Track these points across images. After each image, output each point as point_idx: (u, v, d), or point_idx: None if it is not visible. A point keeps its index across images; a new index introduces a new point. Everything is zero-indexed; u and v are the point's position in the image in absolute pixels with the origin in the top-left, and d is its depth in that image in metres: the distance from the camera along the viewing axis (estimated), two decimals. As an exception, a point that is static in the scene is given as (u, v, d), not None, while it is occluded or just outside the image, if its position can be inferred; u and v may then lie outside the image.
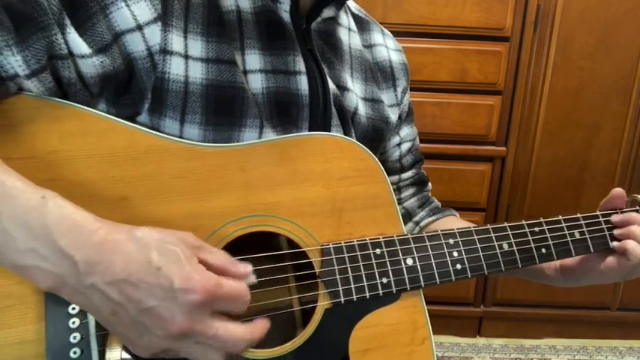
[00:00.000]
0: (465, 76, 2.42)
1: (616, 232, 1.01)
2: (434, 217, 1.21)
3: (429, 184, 1.28)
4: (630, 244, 0.98)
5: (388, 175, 1.17)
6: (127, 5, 0.78)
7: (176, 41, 0.81)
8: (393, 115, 1.12)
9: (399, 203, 1.20)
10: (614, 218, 1.02)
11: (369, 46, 1.13)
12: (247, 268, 0.70)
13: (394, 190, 1.19)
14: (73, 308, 0.72)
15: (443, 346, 2.69)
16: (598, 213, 1.04)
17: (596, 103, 2.47)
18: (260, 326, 0.69)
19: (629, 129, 2.50)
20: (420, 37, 2.39)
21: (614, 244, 1.00)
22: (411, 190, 1.23)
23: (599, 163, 2.55)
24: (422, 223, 1.21)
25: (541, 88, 2.45)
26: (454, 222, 1.21)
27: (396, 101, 1.14)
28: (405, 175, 1.22)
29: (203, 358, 0.66)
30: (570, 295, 2.70)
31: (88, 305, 0.64)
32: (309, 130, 0.94)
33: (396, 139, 1.19)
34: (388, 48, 1.16)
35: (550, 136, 2.51)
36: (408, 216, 1.22)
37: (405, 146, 1.21)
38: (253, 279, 0.70)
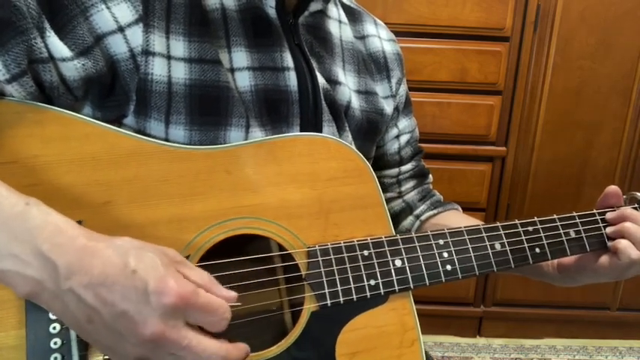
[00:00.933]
0: (465, 76, 2.41)
1: (609, 230, 1.00)
2: (435, 211, 1.19)
3: (430, 176, 1.26)
4: (622, 243, 0.97)
5: (387, 168, 1.17)
6: (108, 7, 0.78)
7: (158, 42, 0.81)
8: (387, 106, 1.11)
9: (399, 196, 1.20)
10: (609, 215, 1.01)
11: (362, 37, 1.12)
12: (230, 293, 0.68)
13: (394, 184, 1.19)
14: (48, 309, 0.70)
15: (443, 346, 2.68)
16: (594, 211, 1.02)
17: (596, 103, 2.46)
18: (239, 349, 0.68)
19: (629, 129, 2.49)
20: (420, 37, 2.38)
21: (608, 243, 0.99)
22: (411, 183, 1.22)
23: (599, 163, 2.54)
24: (423, 217, 1.18)
25: (541, 88, 2.44)
26: (456, 217, 1.19)
27: (391, 92, 1.13)
28: (404, 168, 1.21)
29: None
30: (570, 295, 2.69)
31: (65, 312, 0.64)
32: (300, 127, 0.93)
33: (394, 131, 1.18)
34: (381, 38, 1.15)
35: (550, 136, 2.50)
36: (408, 209, 1.20)
37: (404, 138, 1.20)
38: (234, 302, 0.68)
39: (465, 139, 2.51)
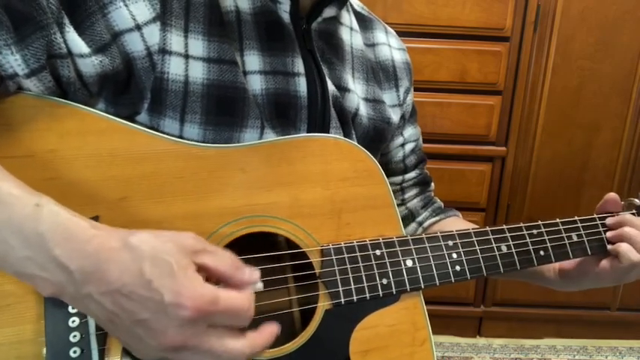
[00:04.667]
0: (465, 76, 2.42)
1: (609, 234, 1.02)
2: (437, 218, 1.21)
3: (432, 184, 1.27)
4: (623, 247, 0.98)
5: (391, 175, 1.18)
6: (126, 5, 0.78)
7: (175, 41, 0.81)
8: (394, 115, 1.11)
9: (402, 204, 1.20)
10: (609, 221, 1.03)
11: (372, 45, 1.12)
12: (254, 274, 0.67)
13: (398, 191, 1.19)
14: (73, 307, 0.71)
15: (443, 346, 2.69)
16: (595, 216, 1.04)
17: (596, 103, 2.47)
18: (264, 335, 0.67)
19: (629, 129, 2.50)
20: (420, 37, 2.39)
21: (609, 247, 1.01)
22: (414, 191, 1.23)
23: (599, 163, 2.55)
24: (425, 224, 1.20)
25: (541, 88, 2.45)
26: (457, 223, 1.20)
27: (398, 101, 1.13)
28: (408, 176, 1.21)
29: None
30: (570, 295, 2.70)
31: (88, 312, 0.64)
32: (308, 132, 0.93)
33: (399, 140, 1.18)
34: (391, 47, 1.15)
35: (550, 136, 2.51)
36: (410, 216, 1.21)
37: (409, 147, 1.20)
38: (260, 286, 0.67)
39: (465, 139, 2.51)
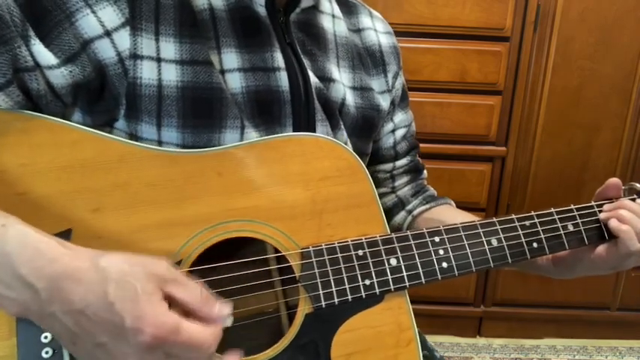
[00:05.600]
0: (465, 76, 2.41)
1: (602, 215, 0.99)
2: (427, 206, 1.18)
3: (425, 172, 1.25)
4: (624, 230, 0.95)
5: (382, 162, 1.16)
6: (93, 12, 0.77)
7: (146, 45, 0.80)
8: (384, 102, 1.09)
9: (392, 192, 1.19)
10: (607, 207, 1.00)
11: (357, 31, 1.10)
12: (224, 310, 0.65)
13: (388, 179, 1.17)
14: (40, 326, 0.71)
15: (443, 346, 2.68)
16: (592, 203, 1.02)
17: (596, 103, 2.45)
18: None
19: (629, 129, 2.48)
20: (420, 37, 2.38)
21: (611, 224, 0.97)
22: (405, 179, 1.20)
23: (599, 163, 2.53)
24: (415, 212, 1.17)
25: (541, 88, 2.43)
26: (449, 211, 1.18)
27: (387, 87, 1.11)
28: (399, 163, 1.19)
29: None
30: (570, 295, 2.69)
31: (52, 331, 0.64)
32: (293, 127, 0.92)
33: (389, 126, 1.16)
34: (377, 31, 1.13)
35: (550, 136, 2.50)
36: (400, 204, 1.19)
37: (400, 133, 1.18)
38: (229, 322, 0.66)
39: (465, 139, 2.50)
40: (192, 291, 0.65)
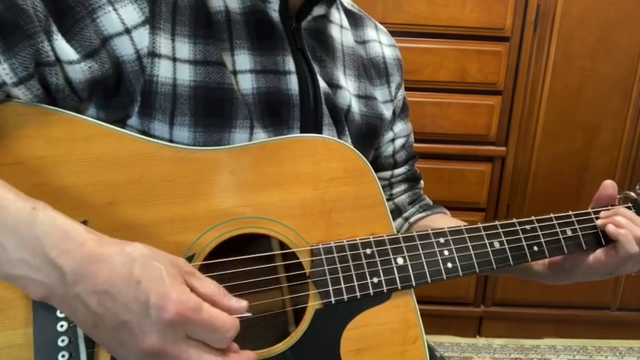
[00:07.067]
0: (465, 76, 2.41)
1: (599, 222, 1.01)
2: (424, 214, 1.21)
3: (422, 182, 1.28)
4: (623, 234, 0.96)
5: (380, 170, 1.18)
6: (115, 9, 0.79)
7: (164, 44, 0.82)
8: (387, 111, 1.12)
9: (390, 199, 1.21)
10: (604, 214, 1.02)
11: (363, 42, 1.13)
12: (241, 303, 0.68)
13: (386, 186, 1.20)
14: (61, 311, 0.72)
15: (443, 346, 2.68)
16: (590, 210, 1.04)
17: (596, 103, 2.46)
18: (243, 357, 0.68)
19: (629, 129, 2.50)
20: (420, 37, 2.38)
21: (609, 229, 0.99)
22: (402, 187, 1.23)
23: (599, 163, 2.54)
24: (411, 219, 1.20)
25: (541, 88, 2.44)
26: (444, 219, 1.20)
27: (390, 97, 1.14)
28: (397, 171, 1.21)
29: None
30: (570, 295, 2.70)
31: (74, 316, 0.65)
32: (301, 130, 0.94)
33: (389, 135, 1.18)
34: (382, 44, 1.16)
35: (550, 136, 2.51)
36: (397, 212, 1.21)
37: (399, 142, 1.21)
38: (247, 313, 0.68)
39: (465, 139, 2.51)
40: (209, 285, 0.67)
